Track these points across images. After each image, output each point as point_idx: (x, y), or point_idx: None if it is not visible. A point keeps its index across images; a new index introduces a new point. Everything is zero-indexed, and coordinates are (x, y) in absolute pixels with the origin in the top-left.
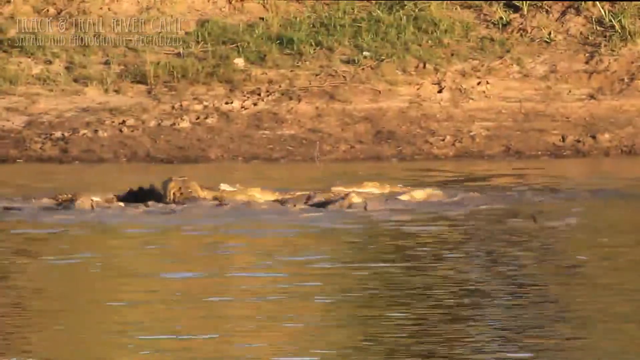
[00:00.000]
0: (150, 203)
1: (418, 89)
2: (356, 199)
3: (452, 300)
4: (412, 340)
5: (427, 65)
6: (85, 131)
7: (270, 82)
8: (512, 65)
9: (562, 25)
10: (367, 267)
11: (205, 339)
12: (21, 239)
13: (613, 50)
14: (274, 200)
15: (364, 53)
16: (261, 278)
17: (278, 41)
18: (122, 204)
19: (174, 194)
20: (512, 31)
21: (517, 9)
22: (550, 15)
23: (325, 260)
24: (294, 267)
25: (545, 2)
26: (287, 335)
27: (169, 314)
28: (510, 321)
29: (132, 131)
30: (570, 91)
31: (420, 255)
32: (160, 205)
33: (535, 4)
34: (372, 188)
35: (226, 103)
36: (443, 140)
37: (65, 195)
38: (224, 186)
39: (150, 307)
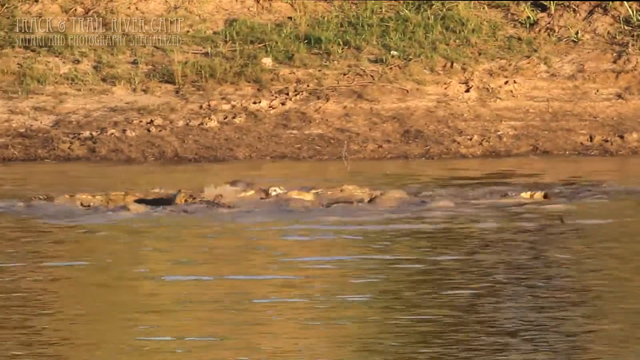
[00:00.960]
0: None
1: (445, 88)
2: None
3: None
4: None
5: (454, 65)
6: (113, 131)
7: (298, 81)
8: (539, 64)
9: (589, 25)
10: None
11: None
12: None
13: None
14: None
15: (392, 52)
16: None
17: (306, 41)
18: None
19: (185, 201)
20: (540, 30)
21: (544, 9)
22: (578, 14)
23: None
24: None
25: (572, 1)
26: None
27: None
28: None
29: (160, 131)
30: (597, 91)
31: None
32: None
33: (562, 4)
34: (351, 191)
35: (254, 103)
36: (470, 139)
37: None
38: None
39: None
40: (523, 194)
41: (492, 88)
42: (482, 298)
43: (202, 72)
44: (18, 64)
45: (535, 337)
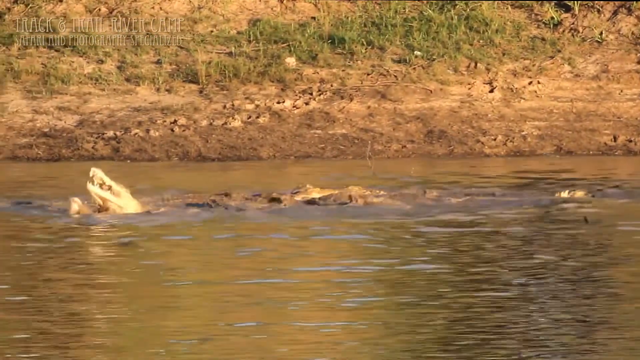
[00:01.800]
0: None
1: (469, 88)
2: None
3: None
4: None
5: (478, 65)
6: (137, 130)
7: (321, 81)
8: (563, 65)
9: (613, 25)
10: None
11: None
12: None
13: None
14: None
15: (416, 52)
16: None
17: (330, 40)
18: None
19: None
20: (564, 31)
21: (568, 9)
22: (602, 15)
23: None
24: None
25: (596, 1)
26: None
27: None
28: None
29: (184, 130)
30: (621, 91)
31: None
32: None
33: (586, 4)
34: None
35: (278, 102)
36: (494, 139)
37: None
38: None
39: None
40: (563, 193)
41: (516, 88)
42: None
43: (226, 71)
44: (42, 64)
45: None
